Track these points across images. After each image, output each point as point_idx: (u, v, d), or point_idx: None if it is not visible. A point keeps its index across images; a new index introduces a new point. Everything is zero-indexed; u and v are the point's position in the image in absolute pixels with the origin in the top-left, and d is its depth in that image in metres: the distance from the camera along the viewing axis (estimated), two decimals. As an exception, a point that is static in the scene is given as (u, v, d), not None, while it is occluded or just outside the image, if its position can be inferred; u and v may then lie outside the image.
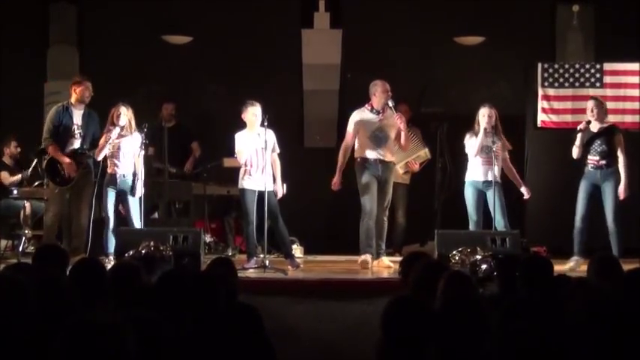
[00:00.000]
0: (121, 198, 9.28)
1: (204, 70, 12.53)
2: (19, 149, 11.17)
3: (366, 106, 9.49)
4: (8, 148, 11.18)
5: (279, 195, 9.30)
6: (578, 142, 9.38)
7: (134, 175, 9.30)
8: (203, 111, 12.64)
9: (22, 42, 12.23)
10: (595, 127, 9.48)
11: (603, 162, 9.38)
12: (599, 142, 9.43)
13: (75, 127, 9.52)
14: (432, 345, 3.63)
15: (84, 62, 12.47)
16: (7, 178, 11.00)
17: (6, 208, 10.85)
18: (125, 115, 9.27)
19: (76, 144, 9.53)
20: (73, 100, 9.57)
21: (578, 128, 9.46)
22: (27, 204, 10.38)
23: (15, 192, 10.72)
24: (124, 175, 9.26)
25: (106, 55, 12.35)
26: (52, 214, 9.59)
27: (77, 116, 9.55)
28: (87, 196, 9.59)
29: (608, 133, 9.48)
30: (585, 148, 9.42)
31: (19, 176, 10.94)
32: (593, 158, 9.42)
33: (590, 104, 9.55)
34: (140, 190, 9.24)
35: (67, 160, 9.41)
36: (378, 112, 9.40)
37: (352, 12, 12.00)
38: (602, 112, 9.52)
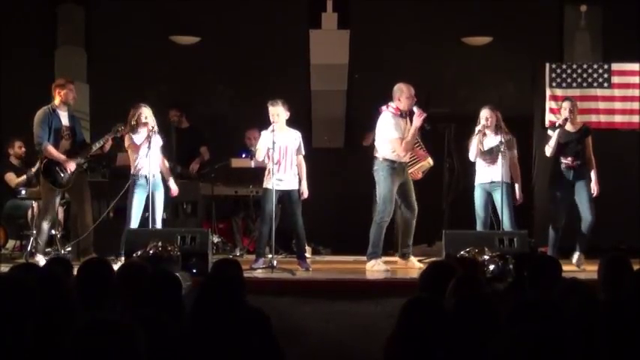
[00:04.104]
0: (152, 197, 9.24)
1: (212, 70, 12.55)
2: (23, 149, 11.17)
3: (393, 110, 9.42)
4: (12, 149, 11.20)
5: (305, 195, 9.31)
6: (554, 140, 9.41)
7: (161, 174, 9.40)
8: (211, 111, 12.66)
9: (29, 43, 12.25)
10: (569, 127, 9.52)
11: (578, 162, 9.44)
12: (575, 142, 9.48)
13: (64, 128, 9.49)
14: (444, 345, 3.64)
15: (91, 63, 12.50)
16: (14, 179, 11.02)
17: (14, 208, 10.87)
18: (151, 115, 9.28)
19: (66, 145, 9.50)
20: (57, 102, 9.45)
21: (557, 124, 9.49)
22: (34, 204, 10.40)
23: (23, 192, 10.74)
24: (153, 175, 9.25)
25: (114, 56, 12.38)
26: (49, 220, 9.51)
27: (64, 118, 9.50)
28: (87, 196, 9.60)
29: (583, 134, 9.54)
30: (560, 149, 9.45)
31: (24, 177, 10.95)
32: (568, 159, 9.45)
33: (567, 104, 9.57)
34: (176, 187, 9.54)
35: (64, 157, 9.36)
36: (404, 116, 9.38)
37: (360, 12, 11.98)
38: (576, 113, 9.60)
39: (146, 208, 9.21)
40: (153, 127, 9.23)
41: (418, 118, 9.23)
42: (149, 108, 9.36)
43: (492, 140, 9.31)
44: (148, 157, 9.18)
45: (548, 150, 9.48)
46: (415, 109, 9.25)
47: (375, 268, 9.16)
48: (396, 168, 9.39)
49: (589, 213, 9.37)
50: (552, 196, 9.61)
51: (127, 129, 9.32)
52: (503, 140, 9.18)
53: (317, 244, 11.21)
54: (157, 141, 9.35)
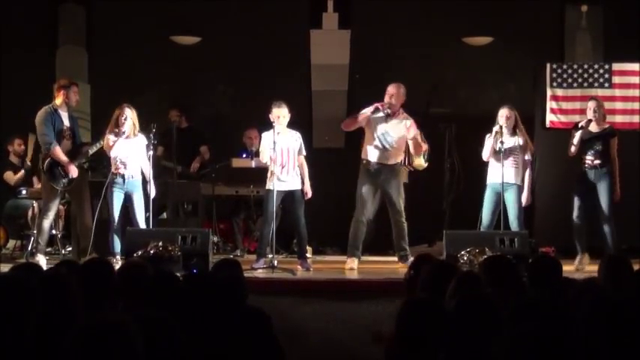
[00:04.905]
0: (129, 199, 9.27)
1: (213, 70, 12.54)
2: (22, 147, 11.19)
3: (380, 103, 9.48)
4: (12, 146, 11.21)
5: (309, 195, 9.32)
6: (576, 139, 9.43)
7: (142, 176, 9.34)
8: (211, 111, 12.66)
9: (31, 42, 12.25)
10: (593, 127, 9.54)
11: (598, 162, 9.45)
12: (597, 142, 9.49)
13: (65, 128, 9.49)
14: (445, 346, 3.63)
15: (92, 63, 12.50)
16: (12, 177, 11.03)
17: (14, 207, 10.87)
18: (130, 117, 9.26)
19: (68, 145, 9.50)
20: (58, 102, 9.46)
21: (580, 125, 9.50)
22: (35, 204, 10.40)
23: (23, 192, 10.75)
24: (131, 177, 9.27)
25: (115, 56, 12.38)
26: (50, 219, 9.52)
27: (65, 118, 9.50)
28: (87, 196, 9.61)
29: (607, 135, 9.56)
30: (582, 148, 9.46)
31: (22, 172, 10.96)
32: (588, 158, 9.47)
33: (591, 104, 9.60)
34: (154, 190, 9.34)
35: (68, 161, 9.36)
36: (387, 115, 9.38)
37: (361, 12, 11.99)
38: (601, 113, 9.61)
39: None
40: (132, 129, 9.22)
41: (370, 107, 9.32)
42: (132, 109, 9.34)
43: (508, 141, 9.28)
44: (128, 158, 9.21)
45: (571, 148, 9.50)
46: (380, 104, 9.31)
47: (346, 266, 9.31)
48: (369, 169, 9.40)
49: (606, 221, 9.39)
50: (573, 200, 9.62)
51: (108, 128, 9.31)
52: (503, 141, 9.18)
53: (320, 245, 11.23)
54: (140, 142, 9.33)
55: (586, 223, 9.51)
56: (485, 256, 7.58)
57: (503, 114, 9.32)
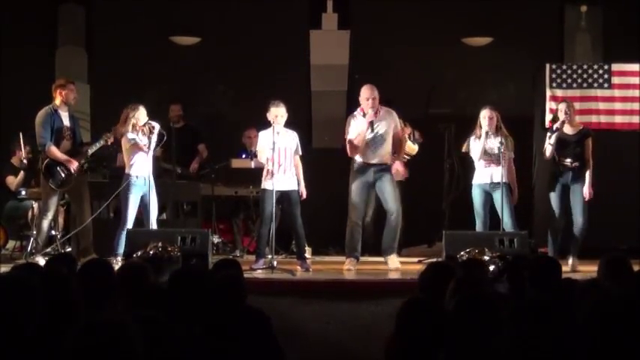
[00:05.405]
0: (144, 200, 9.25)
1: (213, 70, 12.55)
2: (30, 156, 11.17)
3: (358, 110, 9.43)
4: (21, 151, 11.20)
5: (304, 196, 9.32)
6: (552, 141, 9.43)
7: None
8: (211, 111, 12.67)
9: (30, 43, 12.25)
10: (568, 129, 9.54)
11: (576, 164, 9.45)
12: (574, 144, 9.50)
13: (65, 128, 9.49)
14: (445, 346, 3.64)
15: (92, 63, 12.51)
16: (13, 182, 11.03)
17: (14, 208, 10.87)
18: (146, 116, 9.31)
19: (67, 146, 9.50)
20: (58, 102, 9.45)
21: (555, 127, 9.52)
22: (35, 205, 10.40)
23: (23, 193, 10.75)
24: (147, 176, 9.26)
25: (114, 56, 12.39)
26: (49, 220, 9.53)
27: (65, 118, 9.50)
28: (87, 196, 9.60)
29: (583, 136, 9.56)
30: (558, 149, 9.46)
31: (21, 174, 10.95)
32: (566, 160, 9.47)
33: (562, 106, 9.61)
34: None
35: (67, 157, 9.37)
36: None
37: (360, 13, 11.99)
38: (573, 114, 9.61)
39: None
40: (153, 128, 9.23)
41: (365, 122, 9.23)
42: (144, 109, 9.37)
43: (492, 141, 9.31)
44: (144, 158, 9.21)
45: (547, 150, 9.50)
46: (370, 111, 9.24)
47: (344, 267, 9.27)
48: (359, 168, 9.38)
49: (580, 217, 9.40)
50: (549, 199, 9.64)
51: (125, 128, 9.29)
52: (503, 141, 9.20)
53: (321, 245, 11.22)
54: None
55: (565, 226, 9.55)
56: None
57: (485, 115, 9.34)
